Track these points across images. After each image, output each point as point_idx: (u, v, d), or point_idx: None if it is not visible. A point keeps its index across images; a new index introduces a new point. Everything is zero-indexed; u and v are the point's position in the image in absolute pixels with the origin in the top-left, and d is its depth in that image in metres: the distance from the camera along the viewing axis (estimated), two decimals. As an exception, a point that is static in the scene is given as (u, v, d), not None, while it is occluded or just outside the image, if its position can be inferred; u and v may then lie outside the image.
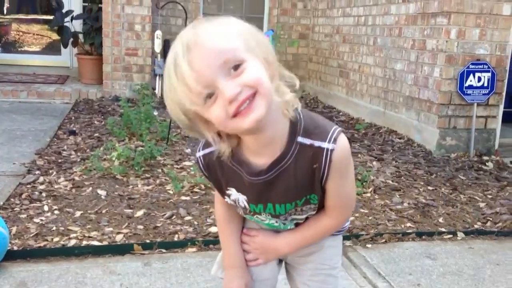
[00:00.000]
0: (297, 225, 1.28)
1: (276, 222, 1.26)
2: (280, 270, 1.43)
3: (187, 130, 1.11)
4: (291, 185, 1.15)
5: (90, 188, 3.15)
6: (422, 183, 3.63)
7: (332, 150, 1.11)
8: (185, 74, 0.98)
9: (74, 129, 4.52)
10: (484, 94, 4.30)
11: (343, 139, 1.13)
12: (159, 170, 3.55)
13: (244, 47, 1.01)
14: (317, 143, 1.11)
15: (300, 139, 1.12)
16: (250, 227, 1.35)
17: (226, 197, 1.25)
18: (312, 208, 1.22)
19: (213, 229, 2.70)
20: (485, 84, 4.27)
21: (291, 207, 1.20)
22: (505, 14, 4.25)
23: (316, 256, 1.34)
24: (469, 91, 4.27)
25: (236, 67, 0.99)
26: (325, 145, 1.11)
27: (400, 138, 4.79)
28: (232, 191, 1.21)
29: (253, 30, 1.07)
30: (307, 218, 1.27)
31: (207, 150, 1.19)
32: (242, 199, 1.21)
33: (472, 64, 4.24)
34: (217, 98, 1.00)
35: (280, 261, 1.40)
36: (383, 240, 2.76)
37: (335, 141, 1.11)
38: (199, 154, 1.22)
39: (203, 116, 1.04)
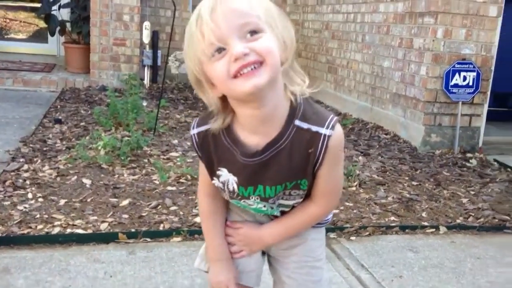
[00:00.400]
0: (282, 213, 1.28)
1: (264, 206, 1.25)
2: (264, 261, 1.43)
3: (195, 86, 1.13)
4: (285, 167, 1.15)
5: (75, 177, 3.13)
6: (406, 178, 3.67)
7: (329, 136, 1.12)
8: (204, 24, 1.02)
9: (60, 117, 4.48)
10: (469, 93, 4.35)
11: (339, 127, 1.15)
12: (145, 160, 3.54)
13: (266, 20, 1.05)
14: (314, 128, 1.13)
15: (297, 122, 1.13)
16: (233, 219, 1.35)
17: (215, 178, 1.23)
18: (300, 194, 1.22)
19: (198, 219, 2.70)
20: (470, 83, 4.32)
21: (281, 188, 1.20)
22: (491, 15, 4.30)
23: (300, 249, 1.34)
24: (455, 90, 4.32)
25: (253, 33, 1.02)
26: (322, 130, 1.12)
27: (386, 134, 4.83)
28: (223, 172, 1.20)
29: (283, 15, 1.11)
30: (292, 207, 1.27)
31: (202, 128, 1.19)
32: (232, 181, 1.20)
33: (458, 63, 4.28)
34: (225, 55, 1.02)
35: (264, 253, 1.40)
36: (367, 233, 2.79)
37: (332, 128, 1.13)
38: (194, 131, 1.21)
39: (207, 73, 1.06)
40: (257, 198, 1.22)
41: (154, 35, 6.64)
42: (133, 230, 2.56)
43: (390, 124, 4.90)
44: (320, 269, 1.38)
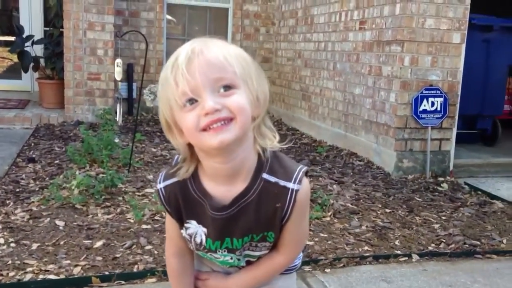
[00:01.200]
0: (248, 263, 1.29)
1: (231, 258, 1.24)
2: None
3: (164, 128, 1.14)
4: (252, 220, 1.16)
5: (48, 219, 3.11)
6: (380, 206, 3.73)
7: (296, 191, 1.13)
8: (179, 73, 1.03)
9: (34, 156, 4.46)
10: (437, 118, 4.47)
11: (306, 181, 1.16)
12: (120, 198, 3.53)
13: (242, 76, 1.06)
14: (282, 182, 1.14)
15: (265, 175, 1.14)
16: (201, 270, 1.35)
17: (183, 229, 1.23)
18: (266, 246, 1.23)
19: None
20: (438, 108, 4.44)
21: (248, 240, 1.21)
22: (455, 42, 4.46)
23: None
24: (424, 115, 4.43)
25: (227, 88, 1.04)
26: (290, 185, 1.13)
27: (360, 161, 4.91)
28: (191, 224, 1.21)
29: (259, 70, 1.12)
30: (259, 258, 1.28)
31: (168, 181, 1.20)
32: (201, 232, 1.20)
33: (425, 89, 4.41)
34: (197, 107, 1.03)
35: None
36: (342, 264, 2.82)
37: (300, 182, 1.14)
38: (160, 185, 1.21)
39: (177, 120, 1.08)
40: (224, 251, 1.22)
41: (129, 68, 6.68)
42: (106, 272, 2.55)
43: (364, 151, 4.98)
44: None
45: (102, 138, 4.25)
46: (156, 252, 2.79)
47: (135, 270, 2.61)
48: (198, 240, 1.21)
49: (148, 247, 2.85)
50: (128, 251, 2.79)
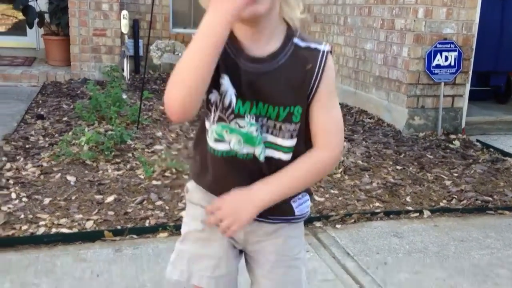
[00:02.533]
0: (268, 165, 1.17)
1: (256, 131, 1.15)
2: (238, 265, 1.33)
3: None
4: (282, 85, 1.13)
5: (59, 174, 3.11)
6: (391, 163, 3.70)
7: (327, 53, 1.15)
8: None
9: (42, 113, 4.43)
10: (451, 73, 4.38)
11: (331, 57, 1.17)
12: (130, 155, 3.52)
13: None
14: (313, 45, 1.15)
15: (296, 40, 1.15)
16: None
17: (214, 91, 1.14)
18: (290, 131, 1.15)
19: (184, 213, 2.70)
20: (452, 63, 4.34)
21: (274, 113, 1.14)
22: (471, -7, 4.30)
23: (277, 247, 1.27)
24: (437, 71, 4.34)
25: None
26: (320, 47, 1.15)
27: (370, 118, 4.85)
28: (224, 80, 1.13)
29: None
30: (279, 166, 1.17)
31: None
32: (231, 93, 1.13)
33: (439, 43, 4.30)
34: None
35: (241, 251, 1.32)
36: (352, 220, 2.82)
37: (329, 48, 1.16)
38: None
39: None
40: (252, 118, 1.14)
41: (135, 24, 6.56)
42: (119, 227, 2.56)
43: (374, 108, 4.91)
44: (298, 269, 1.31)
45: (110, 95, 4.21)
46: (167, 207, 2.80)
47: (146, 224, 2.62)
48: (227, 101, 1.14)
49: (159, 202, 2.85)
50: (139, 206, 2.80)
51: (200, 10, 1.08)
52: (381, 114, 4.78)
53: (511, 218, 2.94)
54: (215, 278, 1.28)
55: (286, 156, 1.19)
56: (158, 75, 6.51)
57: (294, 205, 1.26)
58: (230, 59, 1.13)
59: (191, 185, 1.33)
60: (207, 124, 1.20)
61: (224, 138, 1.18)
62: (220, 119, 1.17)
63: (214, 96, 1.15)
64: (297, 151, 1.20)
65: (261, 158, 1.18)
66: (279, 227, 1.28)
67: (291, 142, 1.18)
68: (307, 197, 1.31)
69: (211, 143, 1.20)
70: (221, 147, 1.18)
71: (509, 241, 2.64)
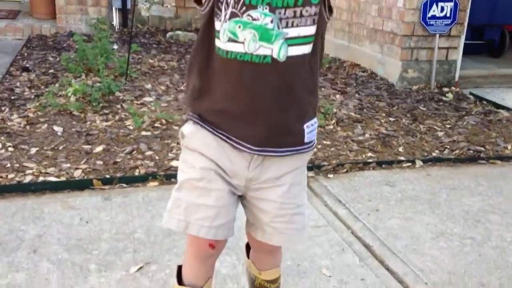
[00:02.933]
0: (290, 68, 1.11)
1: (272, 22, 1.07)
2: (236, 210, 1.29)
3: None
4: None
5: (46, 125, 3.05)
6: (383, 115, 3.66)
7: None
8: None
9: (28, 65, 4.31)
10: (446, 25, 4.29)
11: None
12: (118, 106, 3.45)
13: None
14: None
15: None
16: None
17: None
18: (311, 15, 1.09)
19: (174, 163, 2.66)
20: (448, 14, 4.25)
21: (291, 1, 1.07)
22: None
23: (281, 195, 1.23)
24: (432, 22, 4.25)
25: None
26: None
27: (363, 72, 4.78)
28: None
29: None
30: (301, 70, 1.12)
31: None
32: None
33: (436, -7, 4.19)
34: None
35: (239, 196, 1.28)
36: (345, 170, 2.79)
37: None
38: None
39: None
40: (266, 8, 1.07)
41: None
42: (108, 176, 2.52)
43: (367, 62, 4.84)
44: (302, 215, 1.29)
45: (97, 46, 4.09)
46: (157, 157, 2.75)
47: (136, 174, 2.58)
48: None
49: (149, 152, 2.81)
50: (128, 156, 2.75)
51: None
52: (375, 68, 4.71)
53: (503, 167, 2.94)
54: (215, 228, 1.22)
55: (309, 48, 1.11)
56: (147, 29, 6.34)
57: (306, 130, 1.20)
58: None
59: (187, 129, 1.23)
60: (217, 25, 1.11)
61: (237, 36, 1.08)
62: (232, 15, 1.08)
63: None
64: (315, 45, 1.13)
65: (281, 57, 1.09)
66: (284, 172, 1.22)
67: (313, 29, 1.10)
68: (317, 124, 1.25)
69: (223, 45, 1.10)
70: (234, 48, 1.09)
71: (501, 189, 2.64)
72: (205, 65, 1.15)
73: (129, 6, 6.38)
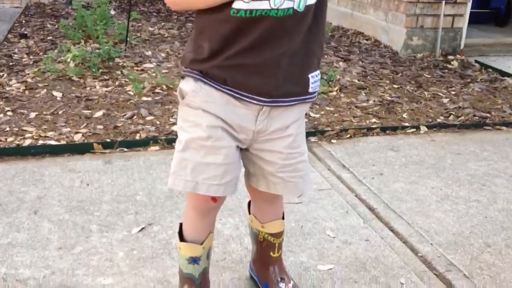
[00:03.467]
0: (306, 17, 1.12)
1: None
2: (241, 164, 1.29)
3: None
4: None
5: (45, 90, 3.00)
6: (387, 82, 3.61)
7: None
8: None
9: (26, 32, 4.24)
10: (452, -9, 4.19)
11: None
12: (118, 72, 3.39)
13: None
14: None
15: None
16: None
17: None
18: None
19: (175, 128, 2.62)
20: (455, -20, 4.15)
21: None
22: None
23: (287, 145, 1.24)
24: (438, -12, 4.15)
25: None
26: None
27: (367, 40, 4.70)
28: None
29: None
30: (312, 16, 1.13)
31: None
32: None
33: (443, -42, 4.08)
34: None
35: (241, 149, 1.26)
36: (348, 136, 2.76)
37: None
38: None
39: None
40: None
41: None
42: (108, 140, 2.49)
43: (371, 29, 4.75)
44: (306, 163, 1.30)
45: (97, 12, 4.01)
46: (158, 122, 2.71)
47: (137, 138, 2.54)
48: None
49: (150, 117, 2.77)
50: (129, 121, 2.71)
51: None
52: (379, 36, 4.63)
53: (508, 133, 2.89)
54: (224, 185, 1.22)
55: None
56: (147, -3, 6.24)
57: (311, 80, 1.21)
58: None
59: (188, 86, 1.19)
60: None
61: None
62: None
63: None
64: None
65: (301, 7, 1.09)
66: (290, 122, 1.23)
67: None
68: (319, 76, 1.26)
69: (245, 5, 1.07)
70: (260, 5, 1.07)
71: (506, 154, 2.61)
72: (220, 27, 1.11)
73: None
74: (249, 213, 1.48)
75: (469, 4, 4.36)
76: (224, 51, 1.12)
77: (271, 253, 1.47)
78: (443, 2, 4.21)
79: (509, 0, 5.43)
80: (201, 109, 1.18)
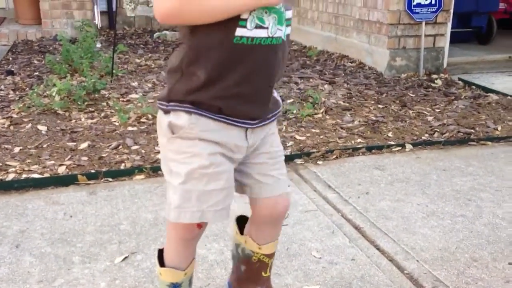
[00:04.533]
0: (286, 47, 1.22)
1: (281, 5, 1.15)
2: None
3: None
4: None
5: (30, 125, 3.00)
6: (372, 102, 3.63)
7: None
8: None
9: (12, 69, 4.27)
10: (432, 12, 4.27)
11: None
12: (104, 104, 3.41)
13: None
14: None
15: None
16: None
17: None
18: None
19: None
20: (433, 2, 4.23)
21: None
22: None
23: (270, 147, 1.32)
24: (418, 10, 4.23)
25: None
26: None
27: (352, 62, 4.76)
28: None
29: None
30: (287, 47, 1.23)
31: None
32: None
33: (420, -20, 4.17)
34: None
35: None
36: (334, 157, 2.76)
37: None
38: None
39: None
40: None
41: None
42: (93, 171, 2.48)
43: (355, 52, 4.82)
44: (283, 161, 1.39)
45: (83, 46, 4.05)
46: (143, 151, 2.71)
47: (122, 168, 2.54)
48: None
49: (135, 147, 2.77)
50: (114, 151, 2.71)
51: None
52: (363, 58, 4.69)
53: (494, 148, 2.91)
54: (226, 209, 1.26)
55: (290, 28, 1.23)
56: (134, 31, 6.31)
57: (276, 95, 1.31)
58: None
59: (182, 120, 1.18)
60: (245, 14, 1.12)
61: (264, 22, 1.14)
62: None
63: None
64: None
65: (284, 37, 1.19)
66: (268, 128, 1.31)
67: (291, 12, 1.21)
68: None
69: (249, 33, 1.12)
70: (260, 33, 1.13)
71: (492, 169, 2.62)
72: (219, 55, 1.14)
73: (115, 8, 6.34)
74: (242, 234, 1.46)
75: (449, 24, 4.44)
76: (222, 80, 1.15)
77: (263, 273, 1.46)
78: (423, 23, 4.28)
79: (490, 18, 5.53)
80: (198, 139, 1.19)
